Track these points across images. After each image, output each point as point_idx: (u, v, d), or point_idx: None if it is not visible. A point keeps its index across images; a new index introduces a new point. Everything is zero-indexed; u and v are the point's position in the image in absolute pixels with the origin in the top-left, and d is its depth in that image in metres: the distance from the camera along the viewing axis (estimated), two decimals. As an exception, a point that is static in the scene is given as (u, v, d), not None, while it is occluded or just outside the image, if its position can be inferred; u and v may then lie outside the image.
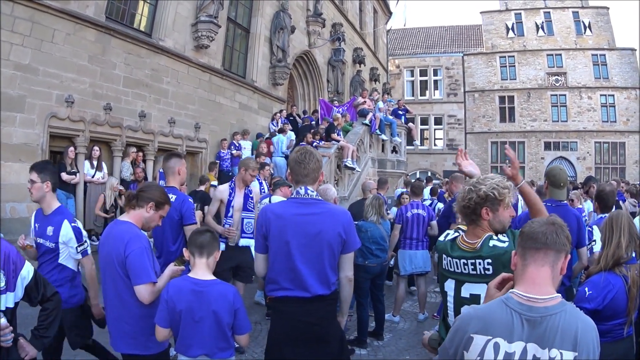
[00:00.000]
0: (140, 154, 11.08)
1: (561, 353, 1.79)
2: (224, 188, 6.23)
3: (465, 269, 2.71)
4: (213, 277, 3.19)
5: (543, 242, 1.97)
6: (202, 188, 9.69)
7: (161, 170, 11.20)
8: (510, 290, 2.00)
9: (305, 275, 3.17)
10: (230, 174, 13.30)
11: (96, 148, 9.73)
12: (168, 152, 5.61)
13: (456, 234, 2.87)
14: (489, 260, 2.63)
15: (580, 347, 1.80)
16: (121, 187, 9.57)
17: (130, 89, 10.67)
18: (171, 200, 4.11)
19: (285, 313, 3.22)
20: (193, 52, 12.66)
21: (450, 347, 2.02)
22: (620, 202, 9.24)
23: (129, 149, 10.63)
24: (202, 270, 3.16)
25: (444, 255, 2.82)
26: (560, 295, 1.95)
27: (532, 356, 1.83)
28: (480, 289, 2.57)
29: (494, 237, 2.72)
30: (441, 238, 2.94)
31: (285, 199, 7.42)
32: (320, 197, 3.38)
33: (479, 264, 2.67)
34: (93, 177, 9.62)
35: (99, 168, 9.75)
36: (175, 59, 12.03)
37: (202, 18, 12.48)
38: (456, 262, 2.75)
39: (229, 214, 6.09)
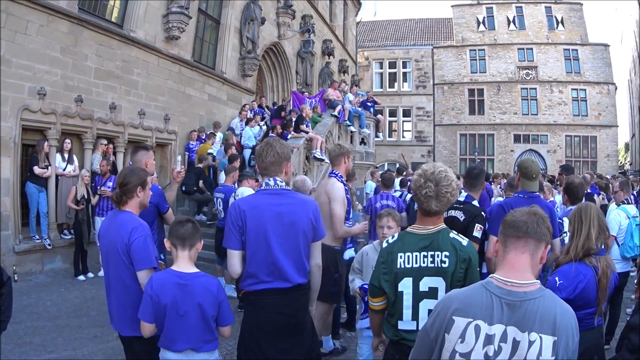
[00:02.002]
0: (111, 146, 11.30)
1: (540, 337, 1.92)
2: (341, 184, 5.34)
3: (424, 262, 2.79)
4: (196, 270, 3.27)
5: (524, 231, 2.11)
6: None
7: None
8: (491, 275, 2.15)
9: (285, 265, 3.31)
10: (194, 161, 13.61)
11: (67, 141, 9.95)
12: (135, 145, 5.83)
13: (396, 236, 3.00)
14: (447, 253, 2.76)
15: (559, 331, 1.94)
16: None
17: (101, 80, 10.89)
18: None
19: (266, 305, 3.32)
20: (164, 43, 12.89)
21: (431, 330, 2.14)
22: (595, 196, 9.78)
23: (100, 141, 10.86)
24: (185, 262, 3.25)
25: (399, 254, 2.85)
26: (538, 282, 2.09)
27: (512, 339, 1.95)
28: (437, 282, 2.74)
29: (452, 231, 2.91)
30: (384, 244, 3.00)
31: (254, 191, 7.82)
32: (289, 188, 3.55)
33: (437, 256, 2.78)
34: (64, 170, 9.86)
35: (70, 161, 9.99)
36: (146, 51, 12.26)
37: (174, 9, 12.72)
38: (415, 256, 2.81)
39: (350, 216, 5.63)
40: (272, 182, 3.43)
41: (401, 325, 2.81)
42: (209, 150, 13.47)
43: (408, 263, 2.81)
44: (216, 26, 15.96)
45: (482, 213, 4.91)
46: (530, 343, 1.92)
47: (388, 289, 2.86)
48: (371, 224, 7.55)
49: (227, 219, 3.45)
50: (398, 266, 2.83)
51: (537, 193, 5.16)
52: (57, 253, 9.73)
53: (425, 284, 2.77)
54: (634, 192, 12.54)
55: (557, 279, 3.36)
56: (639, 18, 36.47)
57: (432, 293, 2.73)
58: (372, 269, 3.21)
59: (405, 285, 2.81)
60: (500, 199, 9.32)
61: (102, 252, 3.63)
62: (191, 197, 12.52)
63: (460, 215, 4.67)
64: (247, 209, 3.33)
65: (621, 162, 52.56)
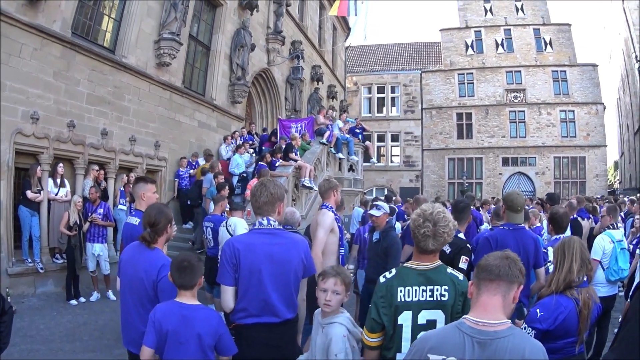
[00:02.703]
0: (102, 171, 11.43)
1: None
2: (331, 214, 5.75)
3: (423, 296, 2.94)
4: (198, 303, 3.51)
5: (496, 274, 2.28)
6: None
7: (121, 188, 11.73)
8: (464, 316, 2.31)
9: (276, 302, 3.49)
10: (187, 189, 13.82)
11: (60, 165, 10.09)
12: (137, 177, 5.97)
13: (393, 271, 3.12)
14: (446, 287, 2.93)
15: None
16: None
17: (93, 106, 11.07)
18: (135, 224, 4.63)
19: (255, 339, 3.48)
20: (155, 69, 13.12)
21: None
22: (583, 219, 9.99)
23: (91, 167, 11.00)
24: (187, 297, 3.47)
25: (399, 288, 2.98)
26: (509, 321, 2.25)
27: None
28: (436, 315, 2.90)
29: (449, 267, 3.10)
30: (382, 279, 3.10)
31: (244, 221, 7.98)
32: (281, 227, 3.72)
33: (437, 290, 2.95)
34: (56, 194, 9.99)
35: (62, 185, 10.12)
36: (138, 77, 12.48)
37: (165, 35, 12.97)
38: (415, 290, 2.96)
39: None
40: (265, 222, 3.61)
41: (399, 357, 2.94)
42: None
43: (408, 297, 2.95)
44: (206, 52, 16.24)
45: (468, 245, 5.22)
46: None
47: (387, 322, 2.97)
48: (360, 254, 8.05)
49: (221, 255, 3.62)
50: (398, 300, 2.95)
51: (522, 225, 5.35)
52: (49, 277, 9.78)
53: (423, 317, 2.92)
54: (622, 214, 12.78)
55: (538, 310, 3.48)
56: (628, 36, 37.18)
57: (430, 325, 2.86)
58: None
59: (405, 318, 2.94)
60: (488, 225, 9.58)
61: (122, 279, 3.92)
62: (197, 210, 12.90)
63: (446, 247, 4.68)
64: (241, 247, 3.51)
65: (610, 181, 53.34)
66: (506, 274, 2.27)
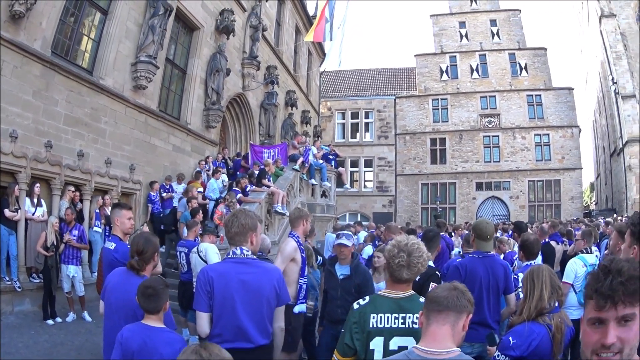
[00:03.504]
0: (78, 193, 11.62)
1: None
2: (294, 244, 5.88)
3: (395, 323, 3.12)
4: (163, 326, 3.68)
5: (445, 305, 2.43)
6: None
7: (97, 210, 11.94)
8: (414, 346, 2.47)
9: (249, 329, 3.69)
10: (161, 215, 14.13)
11: (37, 185, 10.29)
12: (114, 203, 6.19)
13: (367, 298, 3.34)
14: (417, 315, 2.98)
15: None
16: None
17: (70, 127, 11.30)
18: (111, 248, 4.90)
19: None
20: (131, 92, 13.43)
21: None
22: (559, 244, 10.42)
23: (67, 188, 11.19)
24: (153, 320, 3.64)
25: (372, 315, 3.16)
26: (458, 349, 2.40)
27: None
28: (407, 341, 3.03)
29: (421, 297, 3.23)
30: (355, 306, 3.30)
31: (215, 246, 8.23)
32: (254, 257, 3.91)
33: (409, 317, 3.13)
34: (33, 214, 10.17)
35: (39, 205, 10.31)
36: (114, 99, 12.76)
37: (142, 58, 13.32)
38: (387, 317, 3.14)
39: (305, 274, 5.99)
40: (238, 251, 3.83)
41: None
42: (198, 189, 14.41)
43: (380, 323, 3.13)
44: (182, 76, 16.62)
45: (437, 272, 5.47)
46: None
47: (359, 347, 3.14)
48: None
49: (196, 282, 3.86)
50: (371, 326, 3.13)
51: (492, 253, 5.54)
52: (26, 296, 9.89)
53: (395, 343, 3.09)
54: (599, 238, 13.09)
55: (510, 338, 3.55)
56: (604, 59, 38.46)
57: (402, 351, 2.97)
58: None
59: (377, 344, 3.11)
60: (459, 249, 9.89)
61: (111, 303, 4.10)
62: (169, 235, 13.26)
63: None
64: (214, 276, 3.74)
65: (586, 203, 54.51)
66: (454, 305, 2.43)
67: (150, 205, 14.23)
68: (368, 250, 9.96)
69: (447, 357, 2.32)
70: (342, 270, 5.79)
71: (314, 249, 8.18)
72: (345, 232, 6.05)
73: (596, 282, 1.66)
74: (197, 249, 8.34)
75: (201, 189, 14.71)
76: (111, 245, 4.99)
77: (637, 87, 35.39)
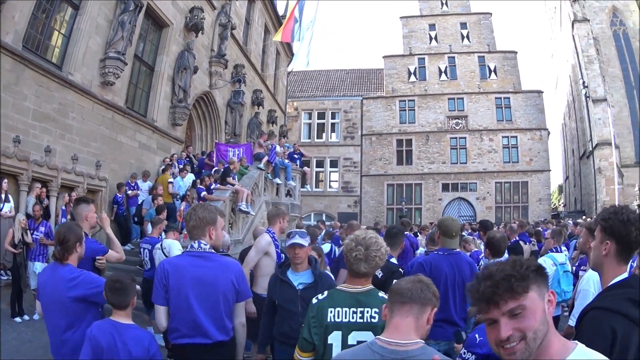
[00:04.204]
0: (44, 189, 11.74)
1: None
2: (269, 238, 6.24)
3: (353, 318, 3.16)
4: (132, 322, 3.74)
5: (408, 297, 2.44)
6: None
7: (63, 207, 12.09)
8: (377, 337, 2.47)
9: (205, 323, 3.71)
10: (124, 214, 14.43)
11: (5, 181, 10.40)
12: (77, 198, 6.18)
13: (325, 293, 3.41)
14: (376, 310, 3.11)
15: None
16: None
17: (39, 122, 11.45)
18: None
19: (189, 359, 3.75)
20: (99, 88, 13.60)
21: None
22: (527, 244, 10.64)
23: (35, 184, 11.33)
24: (122, 317, 3.71)
25: (329, 309, 3.21)
26: (422, 341, 2.40)
27: None
28: (366, 336, 3.01)
29: (380, 291, 3.31)
30: (314, 301, 3.37)
31: (179, 242, 8.45)
32: (212, 251, 3.95)
33: (367, 312, 3.16)
34: (1, 210, 10.26)
35: (6, 201, 10.41)
36: (82, 95, 12.93)
37: (111, 54, 13.51)
38: (345, 312, 3.18)
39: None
40: (196, 245, 3.89)
41: None
42: (169, 180, 14.75)
43: (338, 317, 3.19)
44: (150, 73, 16.82)
45: (400, 270, 5.52)
46: None
47: (318, 341, 3.21)
48: None
49: (155, 276, 3.93)
50: (328, 320, 3.19)
51: (457, 250, 5.57)
52: (-5, 292, 10.02)
53: (353, 337, 3.12)
54: (568, 238, 13.25)
55: (477, 336, 3.53)
56: (575, 63, 39.63)
57: None
58: None
59: (335, 338, 3.16)
60: (423, 249, 10.04)
61: (44, 303, 4.08)
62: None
63: (378, 272, 4.81)
64: (170, 269, 3.82)
65: (555, 205, 55.90)
66: (418, 297, 2.45)
67: (115, 206, 14.44)
68: (326, 248, 9.74)
69: (410, 348, 2.34)
70: (300, 279, 4.52)
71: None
72: (299, 229, 4.95)
73: (472, 290, 1.83)
74: (161, 245, 8.48)
75: (171, 180, 15.02)
76: None
77: (608, 91, 36.74)
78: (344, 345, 3.10)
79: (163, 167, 16.25)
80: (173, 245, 8.27)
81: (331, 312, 3.20)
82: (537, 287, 1.77)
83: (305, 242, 4.52)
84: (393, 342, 2.36)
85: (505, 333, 1.71)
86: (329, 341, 3.17)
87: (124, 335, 3.59)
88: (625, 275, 2.58)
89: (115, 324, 3.65)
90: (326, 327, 3.18)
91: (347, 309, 3.19)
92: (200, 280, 3.75)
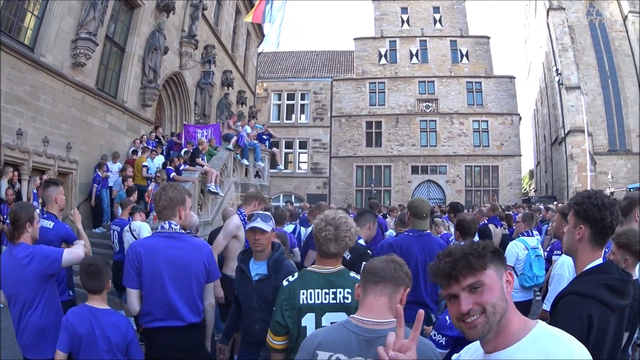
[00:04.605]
0: (16, 173, 11.72)
1: None
2: (239, 221, 6.15)
3: (326, 299, 3.14)
4: (107, 307, 3.78)
5: (382, 277, 2.47)
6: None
7: (35, 190, 12.12)
8: (351, 316, 2.50)
9: (179, 306, 3.73)
10: (99, 194, 14.40)
11: (-22, 165, 10.44)
12: (46, 180, 6.31)
13: (296, 275, 3.40)
14: (349, 290, 3.12)
15: None
16: None
17: (11, 105, 11.43)
18: (49, 227, 4.97)
19: (164, 343, 3.74)
20: (70, 69, 13.59)
21: None
22: (498, 228, 10.64)
23: (7, 168, 11.32)
24: (97, 301, 3.74)
25: (301, 291, 3.16)
26: (395, 320, 2.24)
27: None
28: (339, 317, 2.99)
29: (351, 271, 3.33)
30: (285, 283, 3.31)
31: (147, 224, 8.51)
32: (182, 231, 3.97)
33: (340, 293, 3.15)
34: (-26, 195, 10.36)
35: (-21, 185, 10.48)
36: (54, 76, 12.92)
37: (82, 35, 13.49)
38: (317, 293, 3.15)
39: None
40: (167, 226, 3.87)
41: None
42: (144, 163, 14.78)
43: (310, 299, 3.14)
44: (121, 54, 16.77)
45: (368, 251, 5.35)
46: None
47: (291, 324, 3.15)
48: None
49: (125, 259, 3.90)
50: (301, 302, 3.14)
51: (428, 231, 5.51)
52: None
53: (327, 319, 3.09)
54: (540, 222, 13.07)
55: (447, 318, 3.50)
56: (549, 50, 40.41)
57: None
58: None
59: (309, 320, 3.13)
60: (393, 231, 9.99)
61: (5, 291, 4.11)
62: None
63: (346, 253, 4.63)
64: (142, 251, 3.78)
65: (525, 189, 56.98)
66: (392, 276, 2.48)
67: (95, 185, 14.37)
68: (289, 228, 9.67)
69: (386, 327, 2.33)
70: (257, 269, 4.08)
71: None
72: (262, 212, 4.41)
73: (433, 267, 1.92)
74: (130, 227, 8.42)
75: (146, 163, 15.08)
76: (49, 224, 5.05)
77: (582, 79, 37.58)
78: (318, 326, 3.07)
79: (133, 148, 16.30)
80: (143, 227, 8.22)
81: (303, 294, 3.16)
82: (495, 266, 1.86)
83: (268, 226, 4.06)
84: (368, 320, 2.40)
85: (465, 307, 1.81)
86: (303, 324, 3.13)
87: (101, 321, 3.62)
88: (600, 260, 2.61)
89: (91, 310, 3.68)
90: (299, 309, 3.15)
91: (319, 290, 3.16)
92: (173, 262, 3.76)
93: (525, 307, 6.59)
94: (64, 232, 5.25)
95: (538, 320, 1.89)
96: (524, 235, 7.53)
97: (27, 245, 4.05)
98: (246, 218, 5.82)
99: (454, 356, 2.15)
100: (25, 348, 4.05)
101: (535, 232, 7.98)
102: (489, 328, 1.81)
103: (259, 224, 4.00)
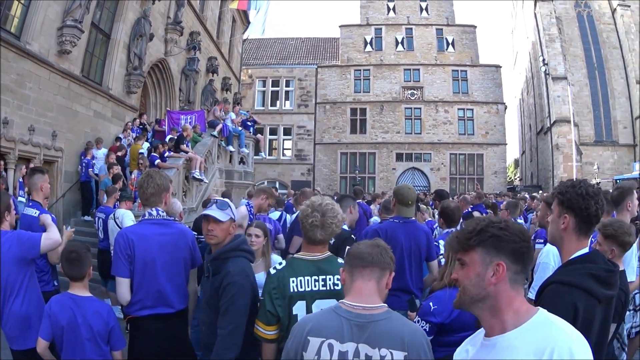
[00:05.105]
0: (2, 162, 11.75)
1: (391, 352, 2.29)
2: (246, 212, 6.32)
3: (316, 286, 3.14)
4: (89, 294, 3.79)
5: (369, 261, 2.48)
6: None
7: (20, 179, 12.14)
8: (340, 300, 2.50)
9: (170, 293, 3.73)
10: (87, 179, 14.37)
11: (-35, 154, 10.44)
12: (32, 168, 6.33)
13: (283, 262, 3.41)
14: (338, 277, 3.05)
15: (409, 348, 2.29)
16: None
17: (-3, 94, 11.42)
18: (34, 215, 4.94)
19: (150, 331, 3.70)
20: (56, 57, 13.56)
21: (291, 349, 2.50)
22: (481, 215, 10.68)
23: (-6, 158, 11.35)
24: (79, 288, 3.74)
25: (291, 279, 3.13)
26: (385, 305, 2.46)
27: (364, 354, 2.31)
28: (330, 304, 2.83)
29: (339, 257, 3.34)
30: (272, 271, 3.29)
31: (132, 213, 8.51)
32: (169, 217, 4.00)
33: (329, 279, 3.17)
34: (-38, 185, 10.31)
35: (-34, 174, 10.45)
36: (39, 64, 12.91)
37: (68, 22, 13.46)
38: (307, 280, 3.14)
39: None
40: (155, 213, 3.87)
41: None
42: (140, 151, 14.64)
43: (301, 287, 3.12)
44: (106, 41, 16.71)
45: (352, 236, 5.49)
46: (382, 357, 2.29)
47: (282, 313, 3.11)
48: None
49: (115, 247, 3.78)
50: (291, 290, 3.11)
51: (413, 218, 5.53)
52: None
53: (317, 306, 3.08)
54: (524, 211, 13.07)
55: (431, 304, 3.56)
56: (536, 40, 40.73)
57: None
58: None
59: (299, 308, 3.11)
60: (377, 218, 10.02)
61: None
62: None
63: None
64: (135, 238, 3.72)
65: (510, 178, 57.46)
66: (379, 261, 2.49)
67: (81, 167, 14.42)
68: (275, 215, 9.37)
69: (376, 312, 2.38)
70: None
71: None
72: (221, 198, 3.99)
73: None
74: (114, 215, 8.34)
75: (142, 150, 14.99)
76: (34, 212, 5.05)
77: (569, 70, 37.93)
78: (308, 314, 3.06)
79: (121, 136, 16.29)
80: (126, 215, 8.13)
81: (293, 281, 3.13)
82: (483, 251, 1.87)
83: (225, 215, 3.55)
84: (358, 305, 2.40)
85: (453, 275, 2.01)
86: (294, 312, 3.10)
87: (84, 309, 3.63)
88: (586, 250, 2.59)
89: (74, 298, 3.68)
90: (290, 297, 3.11)
91: (309, 278, 3.15)
92: (165, 248, 3.76)
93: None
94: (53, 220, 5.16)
95: (539, 307, 1.91)
96: None
97: (6, 231, 4.07)
98: (252, 210, 6.18)
99: (466, 340, 2.19)
100: (10, 338, 4.08)
101: (520, 221, 8.07)
102: (460, 304, 1.96)
103: (213, 211, 3.55)
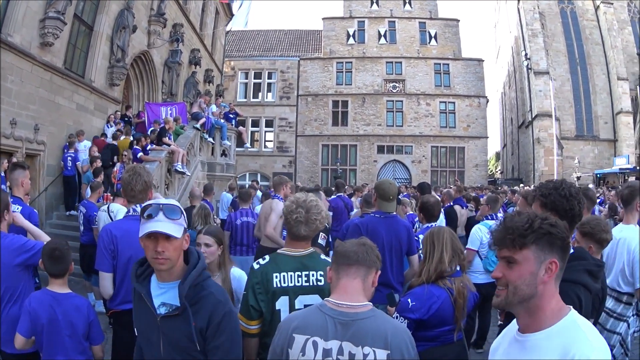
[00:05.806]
0: None
1: (374, 351, 2.31)
2: (282, 204, 6.30)
3: (299, 282, 3.18)
4: (69, 290, 3.75)
5: (355, 260, 2.50)
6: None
7: (2, 174, 11.96)
8: (326, 299, 2.53)
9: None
10: (71, 173, 14.24)
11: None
12: (13, 163, 6.26)
13: (267, 258, 3.35)
14: (321, 272, 3.17)
15: (392, 346, 2.31)
16: None
17: (-22, 87, 11.22)
18: (17, 211, 4.71)
19: (132, 324, 3.48)
20: (38, 49, 13.35)
21: (277, 346, 2.51)
22: (464, 209, 10.75)
23: (-24, 153, 11.20)
24: (59, 285, 3.71)
25: (275, 274, 3.17)
26: (370, 304, 2.48)
27: (347, 352, 2.34)
28: (313, 299, 3.07)
29: (322, 254, 3.44)
30: (255, 266, 3.29)
31: (124, 216, 8.39)
32: None
33: (312, 275, 3.21)
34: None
35: (-51, 169, 10.30)
36: (21, 57, 12.69)
37: (50, 14, 13.23)
38: (291, 276, 3.18)
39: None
40: (139, 209, 3.57)
41: None
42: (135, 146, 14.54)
43: (284, 282, 3.15)
44: (89, 33, 16.49)
45: (326, 225, 5.62)
46: (365, 355, 2.31)
47: (265, 308, 3.15)
48: (231, 240, 8.29)
49: (99, 242, 3.86)
50: (274, 285, 3.14)
51: (394, 213, 5.54)
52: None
53: (300, 301, 3.13)
54: (504, 204, 13.26)
55: (409, 300, 3.60)
56: (519, 35, 40.95)
57: None
58: None
59: (282, 304, 3.15)
60: (358, 210, 9.88)
61: None
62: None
63: None
64: (118, 234, 3.78)
65: (491, 171, 57.94)
66: (364, 259, 2.51)
67: (64, 161, 14.28)
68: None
69: (360, 310, 2.41)
70: (165, 295, 2.61)
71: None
72: (168, 203, 2.61)
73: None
74: (108, 208, 8.10)
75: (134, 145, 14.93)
76: (16, 208, 4.85)
77: (551, 65, 38.27)
78: (292, 309, 3.10)
79: (110, 129, 16.12)
80: (121, 212, 7.59)
81: (277, 277, 3.16)
82: (538, 248, 1.85)
83: (178, 228, 2.51)
84: (343, 304, 2.42)
85: (495, 273, 1.92)
86: (277, 307, 3.14)
87: (64, 305, 3.63)
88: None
89: (53, 295, 3.66)
90: (273, 292, 3.14)
91: (292, 273, 3.18)
92: None
93: (489, 289, 6.14)
94: (33, 216, 5.14)
95: (571, 307, 1.92)
96: (488, 219, 7.59)
97: (6, 234, 4.02)
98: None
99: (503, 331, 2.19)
100: (5, 341, 3.98)
101: (500, 215, 8.01)
102: (506, 304, 1.93)
103: (162, 224, 2.46)
